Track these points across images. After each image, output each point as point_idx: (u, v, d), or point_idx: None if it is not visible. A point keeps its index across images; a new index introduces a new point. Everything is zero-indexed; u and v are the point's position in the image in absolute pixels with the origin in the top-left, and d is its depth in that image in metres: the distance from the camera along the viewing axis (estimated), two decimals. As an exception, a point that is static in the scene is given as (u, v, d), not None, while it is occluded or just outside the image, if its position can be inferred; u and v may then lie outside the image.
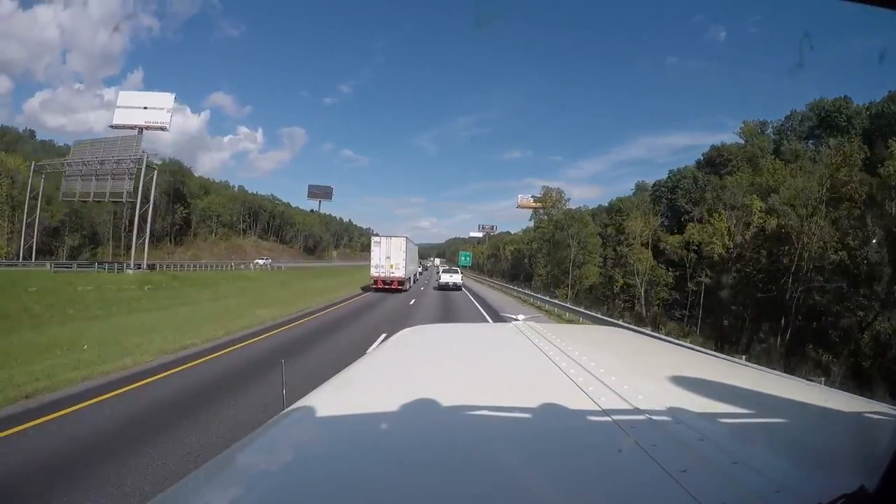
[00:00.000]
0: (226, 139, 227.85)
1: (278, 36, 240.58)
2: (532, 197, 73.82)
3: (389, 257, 26.33)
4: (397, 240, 27.28)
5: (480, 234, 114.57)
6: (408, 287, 27.59)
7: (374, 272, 26.45)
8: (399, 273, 26.36)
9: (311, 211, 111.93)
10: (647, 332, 11.41)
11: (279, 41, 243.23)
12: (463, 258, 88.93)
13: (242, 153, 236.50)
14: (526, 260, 62.15)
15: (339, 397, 1.20)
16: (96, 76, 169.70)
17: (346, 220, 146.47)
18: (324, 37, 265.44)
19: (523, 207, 75.10)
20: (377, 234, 31.44)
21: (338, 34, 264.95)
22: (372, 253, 27.13)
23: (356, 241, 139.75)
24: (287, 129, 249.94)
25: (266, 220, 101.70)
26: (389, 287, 25.95)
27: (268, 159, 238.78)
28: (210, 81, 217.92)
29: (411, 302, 21.17)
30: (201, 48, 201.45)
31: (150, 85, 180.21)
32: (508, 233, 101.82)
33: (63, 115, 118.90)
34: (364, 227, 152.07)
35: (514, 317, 2.25)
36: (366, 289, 26.79)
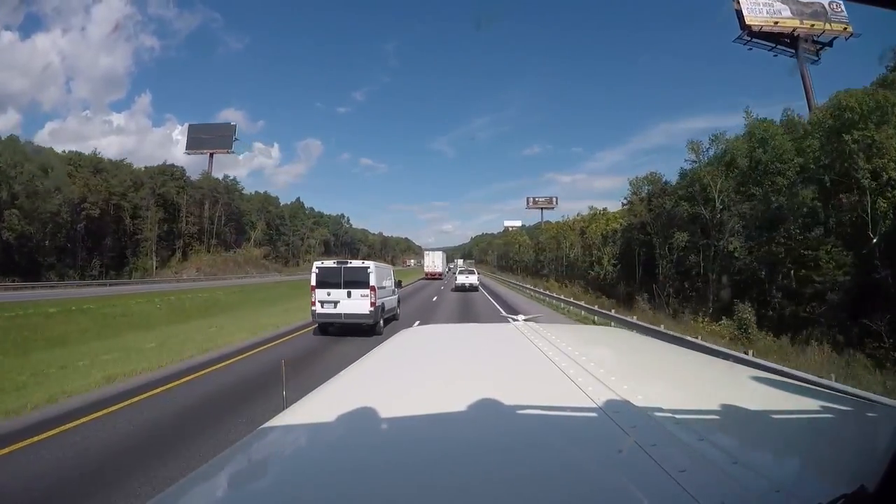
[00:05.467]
0: (240, 156, 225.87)
1: (284, 47, 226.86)
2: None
3: (434, 261, 52.67)
4: (437, 252, 56.17)
5: (518, 224, 78.89)
6: (443, 277, 49.84)
7: (426, 269, 52.52)
8: (439, 269, 51.69)
9: (216, 178, 56.79)
10: (647, 329, 11.20)
11: (286, 52, 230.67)
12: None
13: (258, 170, 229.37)
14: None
15: (339, 397, 1.21)
16: (103, 102, 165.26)
17: (279, 200, 76.04)
18: (332, 44, 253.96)
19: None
20: (427, 250, 62.29)
21: (347, 40, 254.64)
22: (424, 259, 56.88)
23: (309, 237, 76.87)
24: (303, 142, 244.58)
25: None
26: (433, 277, 49.32)
27: (285, 173, 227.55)
28: (219, 98, 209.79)
29: (446, 281, 43.33)
30: (206, 65, 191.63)
31: (157, 106, 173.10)
32: (548, 222, 55.15)
33: (74, 143, 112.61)
34: (361, 224, 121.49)
35: (514, 317, 2.26)
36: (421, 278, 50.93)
